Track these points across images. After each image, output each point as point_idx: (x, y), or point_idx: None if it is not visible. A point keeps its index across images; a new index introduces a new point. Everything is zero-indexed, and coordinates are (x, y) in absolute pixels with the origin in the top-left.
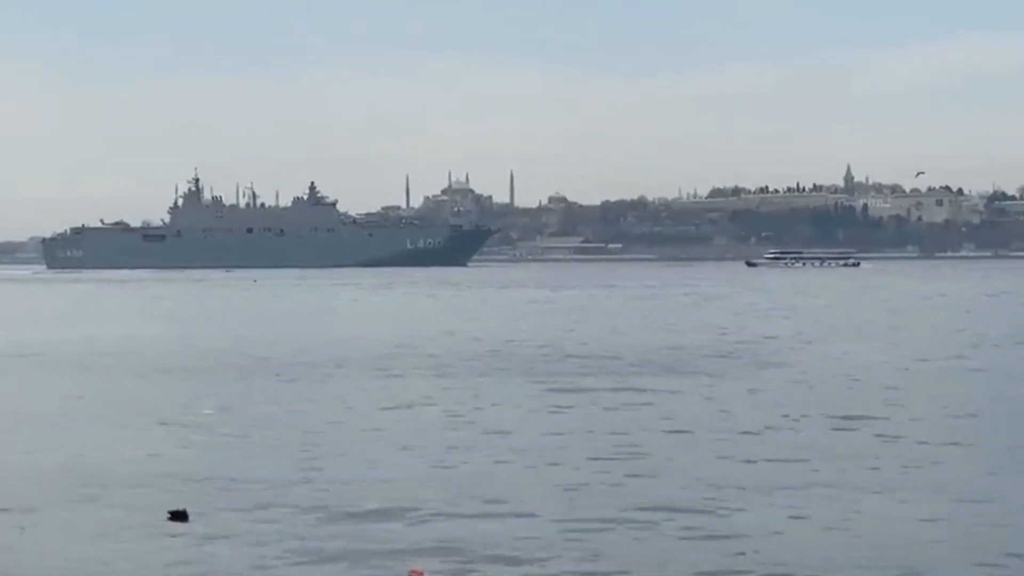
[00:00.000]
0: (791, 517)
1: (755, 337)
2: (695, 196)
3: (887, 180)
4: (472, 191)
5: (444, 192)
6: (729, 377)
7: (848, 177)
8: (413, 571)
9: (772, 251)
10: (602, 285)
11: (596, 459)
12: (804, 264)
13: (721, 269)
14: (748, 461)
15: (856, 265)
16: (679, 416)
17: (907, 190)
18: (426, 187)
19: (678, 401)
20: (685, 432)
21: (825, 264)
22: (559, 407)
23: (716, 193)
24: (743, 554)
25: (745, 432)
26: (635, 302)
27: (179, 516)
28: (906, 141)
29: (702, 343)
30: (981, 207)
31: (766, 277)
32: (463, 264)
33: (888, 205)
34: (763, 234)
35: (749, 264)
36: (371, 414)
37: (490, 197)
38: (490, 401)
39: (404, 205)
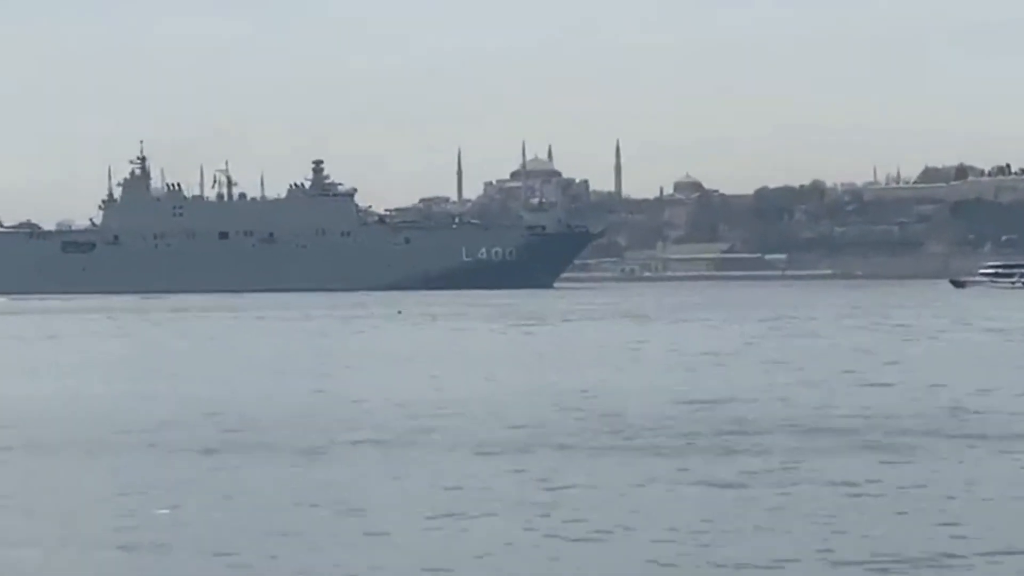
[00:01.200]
0: None
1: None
2: (898, 181)
3: None
4: (558, 174)
5: (515, 176)
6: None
7: None
8: None
9: (991, 264)
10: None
11: None
12: None
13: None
14: None
15: None
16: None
17: None
18: (487, 169)
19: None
20: None
21: None
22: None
23: (929, 176)
24: None
25: None
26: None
27: None
28: None
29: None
30: None
31: (984, 304)
32: (547, 284)
33: None
34: (1003, 238)
35: (955, 284)
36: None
37: (585, 183)
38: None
39: (455, 196)
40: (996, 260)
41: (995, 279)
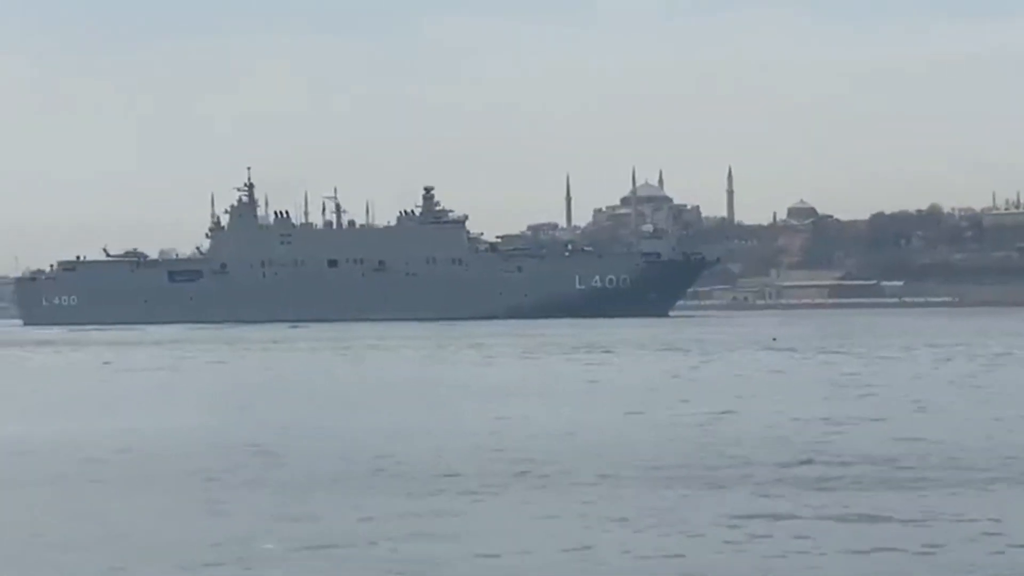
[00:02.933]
0: None
1: None
2: (1018, 206)
3: None
4: (669, 200)
5: (625, 202)
6: None
7: None
8: None
9: None
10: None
11: None
12: None
13: None
14: None
15: None
16: None
17: None
18: (597, 195)
19: None
20: None
21: None
22: None
23: None
24: None
25: None
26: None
27: None
28: None
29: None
30: None
31: None
32: (663, 312)
33: None
34: None
35: None
36: None
37: (696, 209)
38: None
39: (564, 223)
40: None
41: None
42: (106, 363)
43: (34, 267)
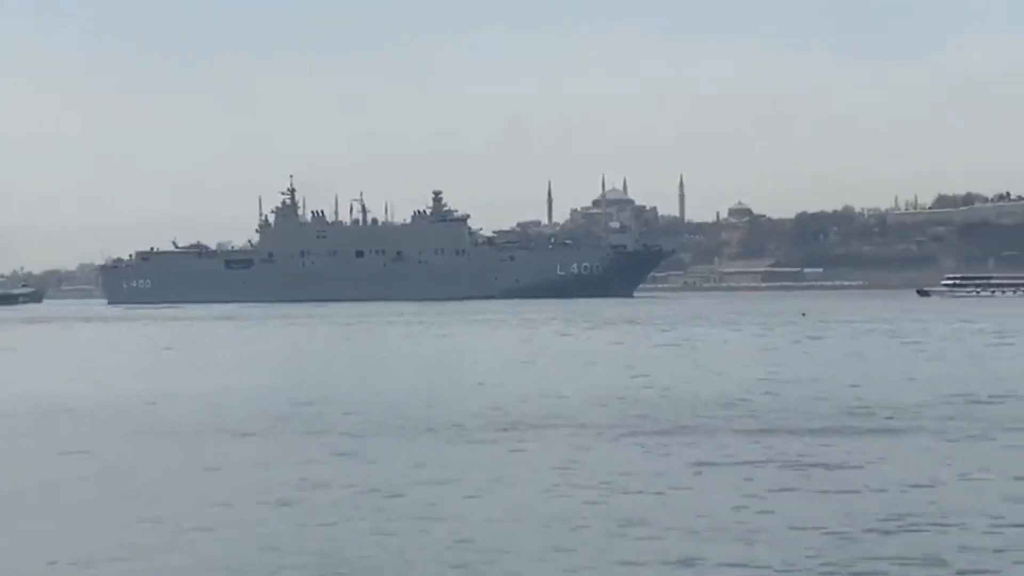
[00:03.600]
0: None
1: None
2: (915, 206)
3: None
4: (631, 202)
5: (596, 203)
6: None
7: None
8: None
9: (951, 276)
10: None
11: None
12: (993, 293)
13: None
14: None
15: None
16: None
17: None
18: (573, 197)
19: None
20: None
21: (1020, 292)
22: None
23: (943, 202)
24: None
25: None
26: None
27: None
28: None
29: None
30: None
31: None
32: (628, 294)
33: None
34: (1003, 252)
35: (921, 293)
36: None
37: (654, 209)
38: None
39: (546, 220)
40: (970, 272)
41: (953, 289)
42: (167, 345)
43: (115, 256)
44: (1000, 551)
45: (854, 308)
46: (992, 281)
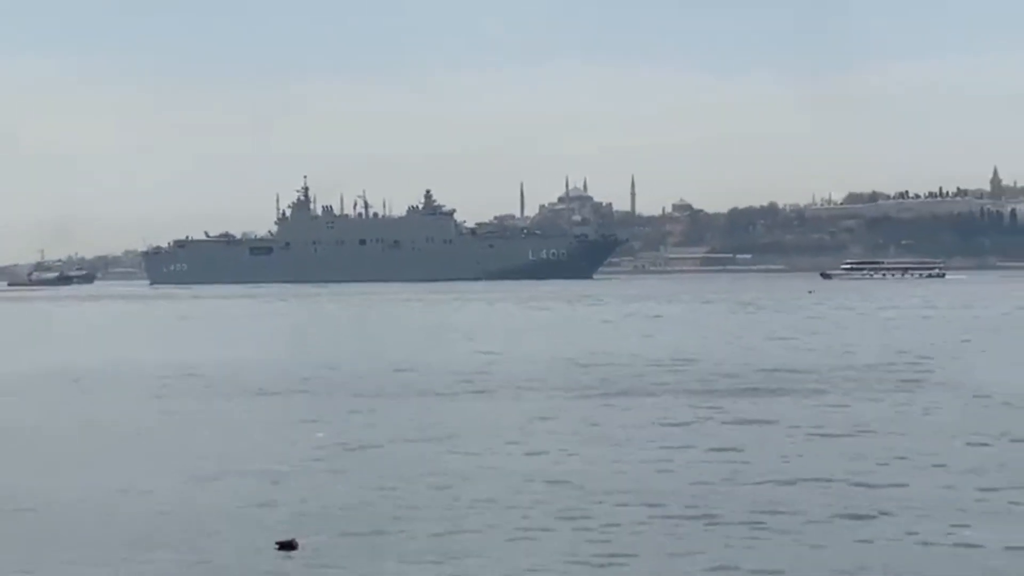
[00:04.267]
0: None
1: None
2: (829, 202)
3: None
4: (591, 199)
5: (561, 200)
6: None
7: (995, 180)
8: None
9: (849, 261)
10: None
11: None
12: (884, 276)
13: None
14: None
15: (941, 276)
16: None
17: None
18: (541, 195)
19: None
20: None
21: (907, 275)
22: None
23: (852, 199)
24: None
25: None
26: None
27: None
28: None
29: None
30: None
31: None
32: (589, 276)
33: None
34: (903, 242)
35: (824, 276)
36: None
37: (610, 205)
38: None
39: (519, 214)
40: (866, 259)
41: (851, 272)
42: (207, 319)
43: (155, 244)
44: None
45: (777, 288)
46: (882, 266)
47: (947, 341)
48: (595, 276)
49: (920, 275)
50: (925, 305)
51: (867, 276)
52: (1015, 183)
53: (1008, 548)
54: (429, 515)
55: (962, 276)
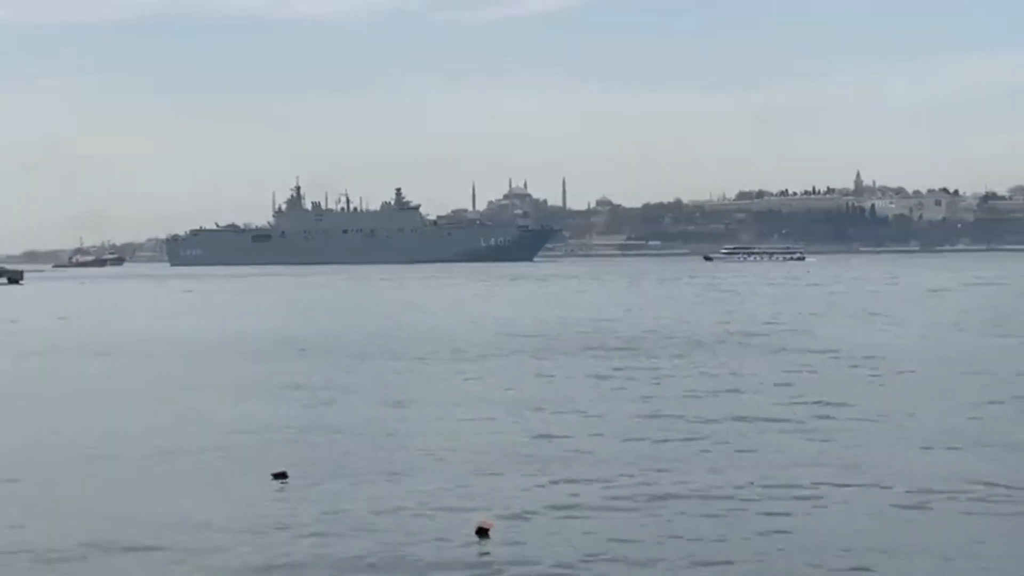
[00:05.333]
0: None
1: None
2: (724, 199)
3: (892, 183)
4: (530, 195)
5: (506, 196)
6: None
7: (858, 181)
8: (482, 523)
9: (727, 247)
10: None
11: None
12: (755, 258)
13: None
14: None
15: (801, 259)
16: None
17: (910, 192)
18: (489, 193)
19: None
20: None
21: (773, 258)
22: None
23: (742, 196)
24: None
25: None
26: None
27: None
28: (910, 150)
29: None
30: (975, 206)
31: (704, 269)
32: (530, 259)
33: (893, 205)
34: (783, 231)
35: (706, 258)
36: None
37: (545, 200)
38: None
39: (471, 208)
40: (743, 246)
41: (728, 256)
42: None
43: (174, 233)
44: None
45: (672, 268)
46: (753, 250)
47: (781, 310)
48: (535, 259)
49: (783, 258)
50: (767, 282)
51: (740, 259)
52: (874, 183)
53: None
54: (393, 455)
55: (814, 259)
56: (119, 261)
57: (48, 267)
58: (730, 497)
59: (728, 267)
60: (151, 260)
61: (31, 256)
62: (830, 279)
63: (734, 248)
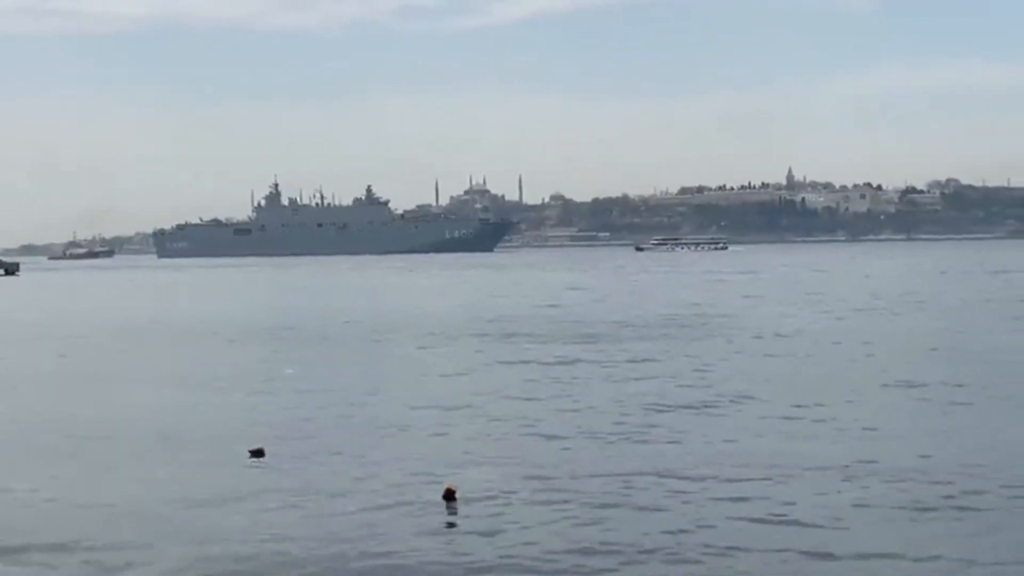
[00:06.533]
0: None
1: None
2: (667, 193)
3: (821, 179)
4: (488, 191)
5: (466, 192)
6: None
7: (789, 176)
8: (448, 488)
9: (656, 238)
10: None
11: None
12: (682, 248)
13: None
14: None
15: (724, 248)
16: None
17: (837, 186)
18: (452, 188)
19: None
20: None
21: (699, 248)
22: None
23: (684, 191)
24: None
25: None
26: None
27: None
28: (838, 148)
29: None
30: (896, 199)
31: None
32: (490, 250)
33: (821, 198)
34: (722, 223)
35: (637, 248)
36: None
37: (503, 196)
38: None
39: (434, 203)
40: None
41: (657, 246)
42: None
43: (161, 228)
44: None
45: (611, 258)
46: (680, 241)
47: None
48: (495, 250)
49: (708, 248)
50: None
51: (669, 249)
52: (805, 178)
53: None
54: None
55: (740, 248)
56: (109, 254)
57: (44, 259)
58: None
59: (656, 256)
60: (139, 253)
61: (28, 249)
62: (728, 268)
63: (663, 239)
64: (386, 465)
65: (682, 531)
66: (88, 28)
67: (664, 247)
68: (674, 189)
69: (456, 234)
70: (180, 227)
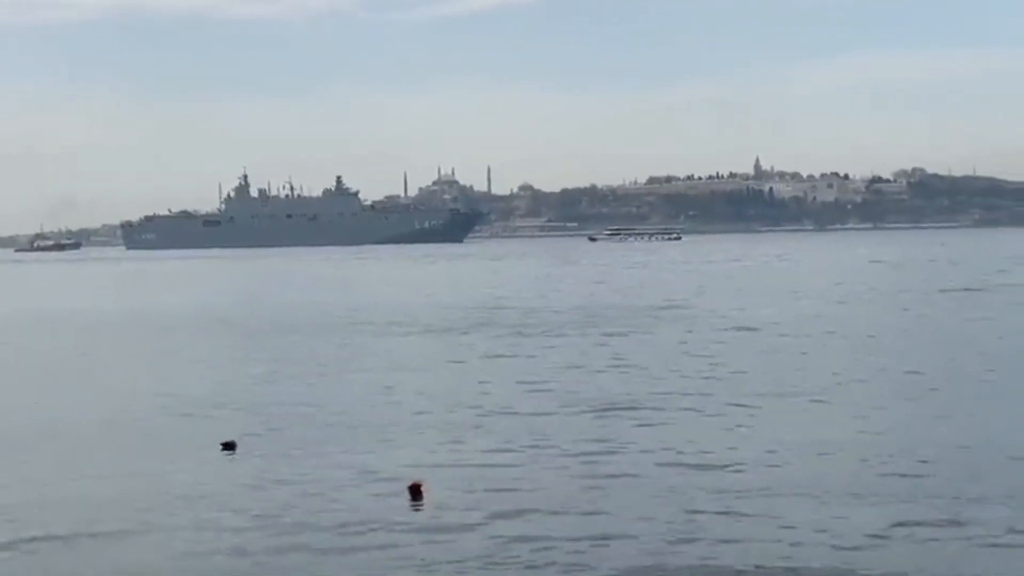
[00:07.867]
0: None
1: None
2: (635, 183)
3: (788, 168)
4: (457, 182)
5: (435, 183)
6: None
7: (757, 166)
8: (413, 483)
9: (609, 228)
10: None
11: None
12: (636, 239)
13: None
14: None
15: (678, 239)
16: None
17: (804, 176)
18: (421, 180)
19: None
20: None
21: (652, 239)
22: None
23: (652, 181)
24: None
25: None
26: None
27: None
28: (805, 138)
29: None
30: (863, 188)
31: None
32: (460, 240)
33: (789, 188)
34: (690, 212)
35: (591, 239)
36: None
37: (471, 186)
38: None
39: (403, 194)
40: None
41: (611, 237)
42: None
43: (129, 219)
44: None
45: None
46: (635, 231)
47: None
48: (465, 240)
49: (661, 238)
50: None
51: (621, 239)
52: (772, 168)
53: None
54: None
55: (700, 238)
56: (76, 246)
57: (10, 251)
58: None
59: (609, 247)
60: (106, 244)
61: None
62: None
63: (616, 229)
64: (356, 456)
65: None
66: (52, 17)
67: (617, 238)
68: (643, 179)
69: (427, 224)
70: (148, 219)
